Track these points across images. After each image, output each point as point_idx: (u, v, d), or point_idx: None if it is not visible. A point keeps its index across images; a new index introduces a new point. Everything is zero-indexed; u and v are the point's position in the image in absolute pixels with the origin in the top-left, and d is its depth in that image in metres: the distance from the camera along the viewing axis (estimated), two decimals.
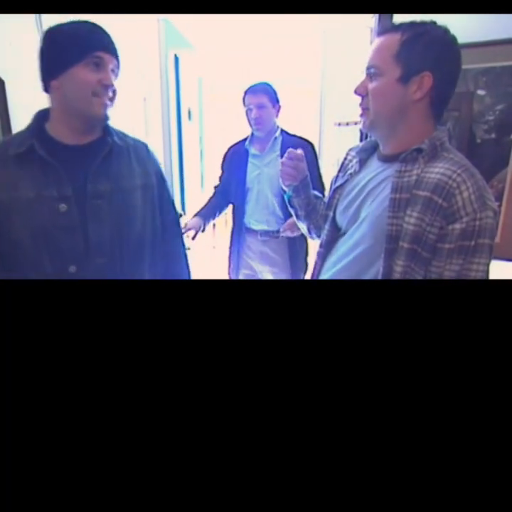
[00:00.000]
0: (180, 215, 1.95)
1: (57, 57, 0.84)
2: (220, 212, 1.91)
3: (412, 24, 0.80)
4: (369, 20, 1.44)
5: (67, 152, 0.88)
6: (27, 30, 0.87)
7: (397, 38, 0.79)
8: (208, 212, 1.85)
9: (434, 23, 0.80)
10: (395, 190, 0.81)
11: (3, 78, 1.22)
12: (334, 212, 1.00)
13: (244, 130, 1.81)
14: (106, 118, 0.90)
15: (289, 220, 1.62)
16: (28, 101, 0.89)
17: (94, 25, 0.87)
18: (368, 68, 0.83)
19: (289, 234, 1.65)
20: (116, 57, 0.89)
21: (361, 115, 0.88)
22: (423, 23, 0.80)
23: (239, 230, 1.82)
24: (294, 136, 1.75)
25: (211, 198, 1.91)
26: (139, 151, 0.99)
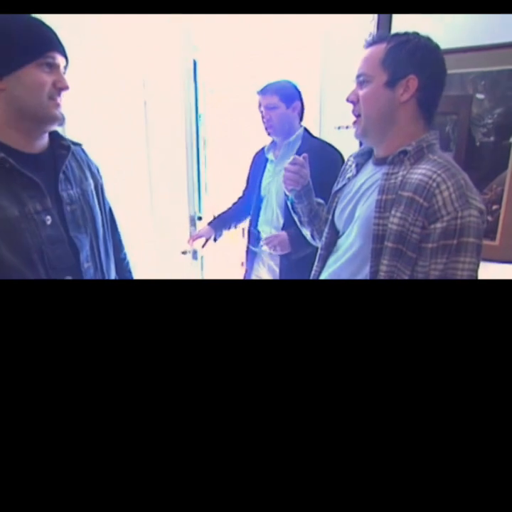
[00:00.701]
0: (200, 218, 1.95)
1: (5, 55, 0.76)
2: (237, 223, 1.84)
3: (397, 34, 0.86)
4: (368, 25, 1.44)
5: (34, 161, 0.84)
6: None
7: (383, 47, 0.84)
8: (223, 222, 1.79)
9: (417, 33, 0.85)
10: (381, 192, 0.84)
11: None
12: (333, 215, 1.03)
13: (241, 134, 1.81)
14: (63, 120, 0.85)
15: (269, 236, 1.54)
16: None
17: (41, 21, 0.81)
18: (358, 77, 0.88)
19: (267, 249, 1.57)
20: (66, 56, 0.84)
21: (354, 123, 0.91)
22: (407, 33, 0.85)
23: (254, 239, 1.72)
24: (320, 140, 1.59)
25: (235, 202, 1.85)
26: (80, 152, 0.98)
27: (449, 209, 0.74)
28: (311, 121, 1.91)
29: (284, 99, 1.52)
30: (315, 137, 1.60)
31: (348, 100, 0.90)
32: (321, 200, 1.18)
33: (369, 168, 0.95)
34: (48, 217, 0.83)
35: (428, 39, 0.84)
